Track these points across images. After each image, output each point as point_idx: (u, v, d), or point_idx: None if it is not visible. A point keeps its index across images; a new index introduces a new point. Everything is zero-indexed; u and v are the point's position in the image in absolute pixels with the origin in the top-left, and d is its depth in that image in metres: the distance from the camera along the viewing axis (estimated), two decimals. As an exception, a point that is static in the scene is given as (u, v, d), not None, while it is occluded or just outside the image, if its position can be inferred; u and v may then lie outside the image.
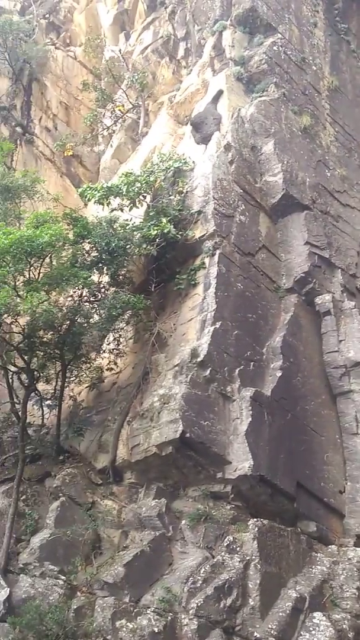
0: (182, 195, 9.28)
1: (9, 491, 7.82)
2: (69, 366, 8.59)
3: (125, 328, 8.96)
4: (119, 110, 13.97)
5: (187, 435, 7.13)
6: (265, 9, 11.40)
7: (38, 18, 16.14)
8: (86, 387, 9.34)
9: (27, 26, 15.51)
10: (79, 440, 8.54)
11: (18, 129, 14.45)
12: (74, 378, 8.90)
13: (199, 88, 11.72)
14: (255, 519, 7.13)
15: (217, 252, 8.59)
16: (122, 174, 9.63)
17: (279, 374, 8.21)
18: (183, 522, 7.24)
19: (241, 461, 7.25)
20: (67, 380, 8.70)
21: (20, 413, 8.36)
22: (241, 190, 9.43)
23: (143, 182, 9.17)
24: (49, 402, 9.03)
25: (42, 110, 15.04)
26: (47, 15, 16.47)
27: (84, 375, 9.01)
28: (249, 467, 7.17)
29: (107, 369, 9.16)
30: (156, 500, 7.44)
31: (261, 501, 7.49)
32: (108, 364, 9.06)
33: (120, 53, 14.29)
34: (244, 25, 11.42)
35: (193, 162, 9.81)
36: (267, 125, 10.25)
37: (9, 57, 14.53)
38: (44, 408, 9.06)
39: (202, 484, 7.47)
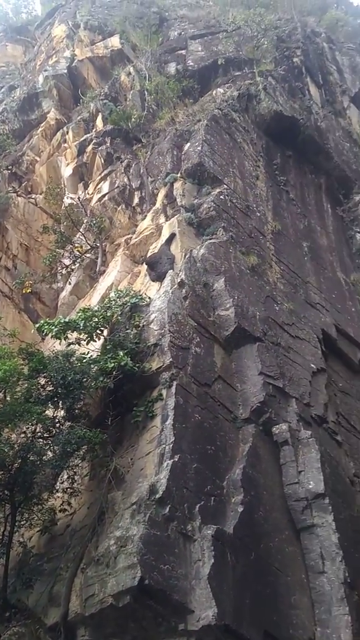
0: (139, 329, 9.50)
1: None
2: (19, 509, 8.08)
3: (80, 464, 8.64)
4: (78, 251, 14.65)
5: (146, 582, 6.62)
6: (211, 164, 12.61)
7: (1, 169, 17.28)
8: (37, 532, 8.74)
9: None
10: (27, 593, 7.80)
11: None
12: (25, 522, 8.34)
13: (153, 231, 12.55)
14: None
15: (174, 383, 8.64)
16: (80, 309, 9.88)
17: (240, 509, 7.91)
18: None
19: (204, 609, 6.71)
20: (16, 524, 8.14)
21: None
22: (196, 324, 9.75)
23: (100, 316, 9.40)
24: (-5, 550, 8.35)
25: (2, 251, 15.60)
26: (10, 167, 17.65)
27: (35, 518, 8.47)
28: (213, 615, 6.62)
29: (60, 510, 8.65)
30: (113, 660, 6.72)
31: (228, 655, 6.85)
32: (61, 504, 8.58)
33: (79, 200, 15.28)
34: (192, 177, 12.54)
35: (149, 298, 10.21)
36: (218, 265, 10.87)
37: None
38: (-10, 557, 8.35)
39: (163, 638, 6.81)
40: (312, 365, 11.12)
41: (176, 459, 7.77)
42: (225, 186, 12.50)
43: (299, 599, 7.89)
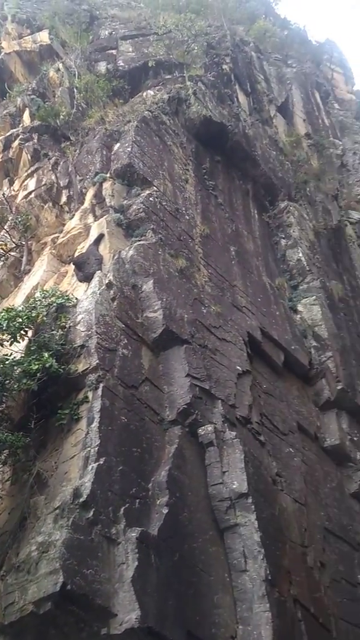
0: (65, 330, 9.33)
1: None
2: None
3: (1, 469, 8.36)
4: (2, 249, 14.20)
5: (69, 587, 6.48)
6: (141, 165, 12.61)
7: None
8: None
9: None
10: None
11: None
12: None
13: (81, 231, 12.36)
14: None
15: (101, 385, 8.55)
16: (4, 309, 9.57)
17: (165, 510, 7.93)
18: None
19: (127, 612, 6.67)
20: None
21: None
22: (123, 325, 9.70)
23: (25, 317, 9.15)
24: None
25: None
26: None
27: None
28: (136, 618, 6.60)
29: (-20, 517, 8.34)
30: (33, 669, 6.54)
31: (151, 658, 6.84)
32: (-19, 511, 8.28)
33: (4, 197, 14.84)
34: (122, 178, 12.48)
35: (76, 298, 10.05)
36: (147, 266, 10.87)
37: None
38: None
39: (85, 644, 6.71)
40: (238, 367, 11.33)
41: (101, 462, 7.69)
42: (155, 188, 12.53)
43: (221, 598, 8.00)
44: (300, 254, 15.62)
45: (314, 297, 14.82)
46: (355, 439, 13.54)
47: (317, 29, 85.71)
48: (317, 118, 22.27)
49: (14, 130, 15.69)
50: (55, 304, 9.72)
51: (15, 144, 15.25)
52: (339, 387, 13.60)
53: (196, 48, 17.16)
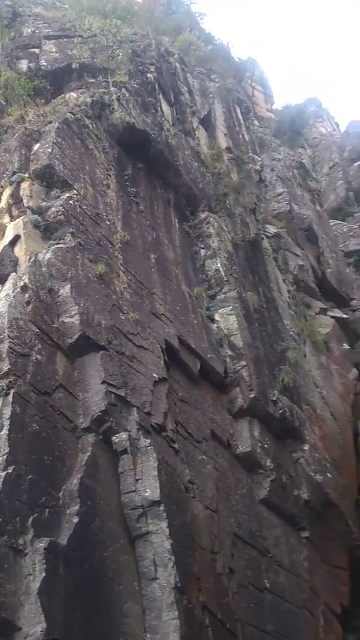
0: (-25, 333, 8.96)
1: None
2: None
3: None
4: None
5: (-29, 602, 6.23)
6: (61, 167, 12.38)
7: None
8: None
9: None
10: None
11: None
12: None
13: (-4, 231, 11.92)
14: None
15: (12, 391, 8.27)
16: None
17: (75, 519, 7.79)
18: None
19: (32, 625, 6.47)
20: None
21: None
22: (38, 330, 9.45)
23: None
24: None
25: None
26: None
27: None
28: (42, 631, 6.41)
29: None
30: None
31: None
32: None
33: None
34: (41, 179, 12.19)
35: (-12, 300, 9.66)
36: (64, 270, 10.68)
37: None
38: None
39: (-13, 661, 6.44)
40: (155, 375, 11.35)
41: (10, 471, 7.43)
42: (75, 191, 12.34)
43: (131, 607, 7.94)
44: (219, 265, 15.94)
45: (231, 307, 15.14)
46: (265, 446, 13.94)
47: (240, 46, 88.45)
48: (238, 133, 22.87)
49: None
50: (-35, 306, 9.30)
51: None
52: (251, 396, 13.96)
53: (121, 54, 17.13)
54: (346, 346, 21.93)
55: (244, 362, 14.22)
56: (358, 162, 38.95)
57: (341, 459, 17.02)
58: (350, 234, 32.50)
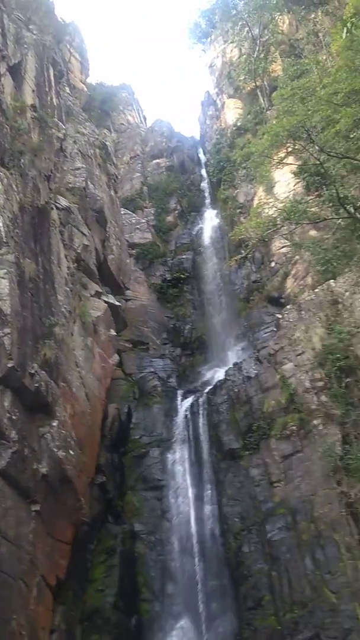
0: None
1: None
2: None
3: None
4: None
5: None
6: None
7: None
8: None
9: None
10: None
11: None
12: None
13: None
14: None
15: None
16: None
17: None
18: None
19: None
20: None
21: None
22: None
23: None
24: None
25: None
26: None
27: None
28: None
29: None
30: None
31: None
32: None
33: None
34: None
35: None
36: None
37: None
38: None
39: None
40: None
41: None
42: None
43: None
44: (0, 224, 15.02)
45: (6, 270, 14.39)
46: (14, 417, 13.59)
47: (65, 7, 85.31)
48: (47, 94, 21.87)
49: None
50: None
51: None
52: (9, 365, 13.47)
53: None
54: (113, 332, 22.57)
55: (7, 330, 13.63)
56: (157, 160, 40.28)
57: (86, 438, 17.44)
58: (138, 226, 33.56)
